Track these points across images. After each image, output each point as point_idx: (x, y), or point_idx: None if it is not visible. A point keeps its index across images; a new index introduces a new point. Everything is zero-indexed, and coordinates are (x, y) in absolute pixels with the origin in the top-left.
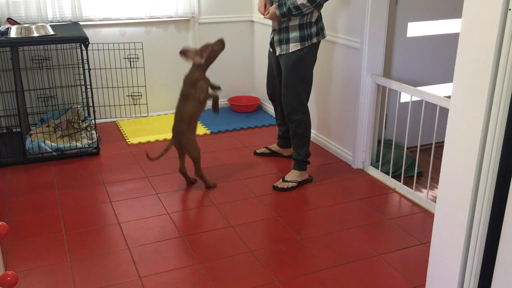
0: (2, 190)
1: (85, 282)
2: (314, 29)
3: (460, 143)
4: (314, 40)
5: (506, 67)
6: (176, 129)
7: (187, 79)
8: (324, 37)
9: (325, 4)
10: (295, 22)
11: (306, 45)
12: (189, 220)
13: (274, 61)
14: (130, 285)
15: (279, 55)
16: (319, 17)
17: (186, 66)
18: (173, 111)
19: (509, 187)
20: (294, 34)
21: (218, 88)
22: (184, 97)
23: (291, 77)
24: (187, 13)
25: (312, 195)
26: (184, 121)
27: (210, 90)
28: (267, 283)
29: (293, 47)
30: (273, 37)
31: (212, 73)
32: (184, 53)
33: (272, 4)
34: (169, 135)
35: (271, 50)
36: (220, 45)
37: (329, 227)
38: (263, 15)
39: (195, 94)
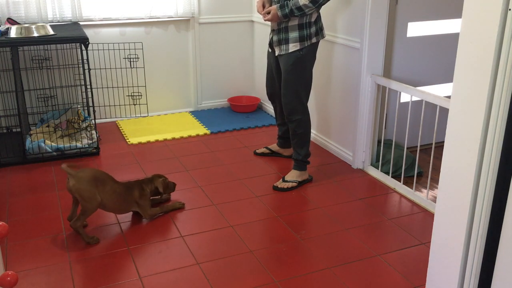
0: (2, 190)
1: (85, 282)
2: (313, 29)
3: (460, 143)
4: (314, 40)
5: (506, 67)
6: (84, 171)
7: (140, 185)
8: (323, 37)
9: (325, 4)
10: (294, 22)
11: (306, 45)
12: (189, 220)
13: (274, 61)
14: (130, 285)
15: (279, 55)
16: (318, 17)
17: (185, 66)
18: (173, 111)
19: (509, 187)
20: (293, 34)
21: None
22: (121, 187)
23: (290, 77)
24: (187, 13)
25: (312, 195)
26: (96, 174)
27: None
28: (267, 283)
29: (293, 47)
30: (272, 37)
31: (212, 73)
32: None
33: (270, 4)
34: (169, 135)
35: (270, 50)
36: (172, 188)
37: (329, 227)
38: (262, 14)
39: (137, 200)
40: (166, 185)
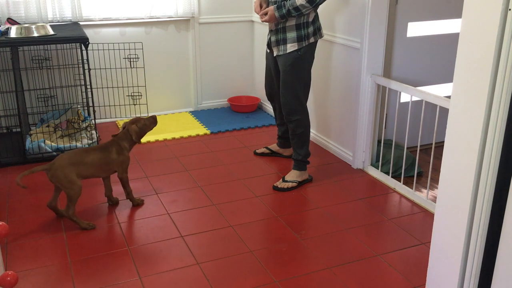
0: (2, 190)
1: (85, 282)
2: (311, 29)
3: (460, 143)
4: (312, 39)
5: (506, 67)
6: (57, 160)
7: (114, 143)
8: (321, 36)
9: (324, 4)
10: (292, 22)
11: (304, 45)
12: (189, 220)
13: (272, 61)
14: (130, 285)
15: (277, 55)
16: (316, 17)
17: (185, 66)
18: (173, 111)
19: (509, 187)
20: (291, 35)
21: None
22: (100, 152)
23: (289, 78)
24: (187, 13)
25: (312, 195)
26: (70, 159)
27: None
28: (267, 283)
29: (291, 47)
30: (270, 37)
31: (212, 73)
32: (125, 126)
33: (267, 4)
34: (169, 135)
35: (268, 51)
36: (152, 121)
37: (329, 227)
38: (259, 15)
39: (115, 163)
40: (142, 128)
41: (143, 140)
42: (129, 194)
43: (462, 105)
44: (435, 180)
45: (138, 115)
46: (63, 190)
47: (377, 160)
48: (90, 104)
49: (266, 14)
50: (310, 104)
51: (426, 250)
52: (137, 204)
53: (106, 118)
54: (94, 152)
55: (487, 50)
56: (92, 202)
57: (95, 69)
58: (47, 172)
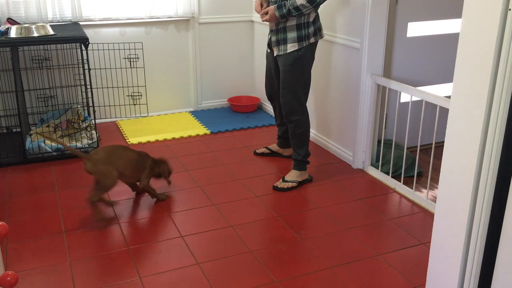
0: (2, 190)
1: (85, 282)
2: (311, 29)
3: (460, 143)
4: (312, 40)
5: (506, 67)
6: (98, 151)
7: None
8: (321, 36)
9: (324, 4)
10: (292, 22)
11: (304, 45)
12: (189, 220)
13: (272, 61)
14: (130, 285)
15: (277, 55)
16: (317, 17)
17: (185, 66)
18: (173, 111)
19: (509, 187)
20: (291, 35)
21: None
22: (132, 158)
23: (289, 78)
24: (187, 13)
25: (312, 195)
26: (109, 152)
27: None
28: (267, 283)
29: (291, 47)
30: (270, 37)
31: (212, 73)
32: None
33: (268, 3)
34: (169, 135)
35: (268, 50)
36: (165, 170)
37: (329, 227)
38: (260, 14)
39: (142, 169)
40: (168, 173)
41: (143, 140)
42: (157, 197)
43: (462, 105)
44: (435, 180)
45: (138, 115)
46: (99, 179)
47: (377, 160)
48: (90, 104)
49: (266, 13)
50: (310, 104)
51: (426, 250)
52: (162, 200)
53: (106, 118)
54: (132, 151)
55: (487, 50)
56: None
57: (95, 69)
58: (86, 162)
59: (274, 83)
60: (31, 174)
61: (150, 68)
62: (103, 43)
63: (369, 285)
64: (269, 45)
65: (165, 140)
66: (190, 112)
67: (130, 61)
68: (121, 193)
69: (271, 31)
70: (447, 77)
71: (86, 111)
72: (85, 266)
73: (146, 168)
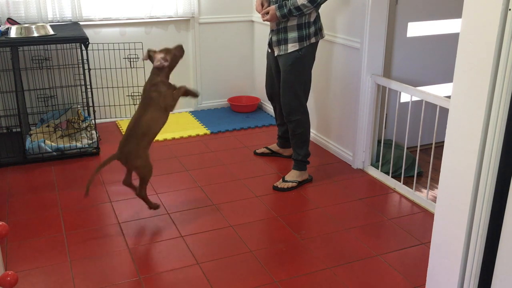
0: (2, 190)
1: (85, 282)
2: (312, 29)
3: (460, 143)
4: (313, 40)
5: (506, 67)
6: (124, 145)
7: (147, 85)
8: (322, 37)
9: (325, 4)
10: (293, 22)
11: (305, 45)
12: (189, 220)
13: (273, 61)
14: (130, 285)
15: (278, 55)
16: (317, 17)
17: (185, 66)
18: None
19: (509, 187)
20: (292, 35)
21: (195, 95)
22: (144, 106)
23: (289, 78)
24: (187, 13)
25: (312, 195)
26: (136, 137)
27: (173, 96)
28: (267, 283)
29: (292, 47)
30: (271, 37)
31: (212, 73)
32: (150, 54)
33: (269, 4)
34: (167, 135)
35: (269, 50)
36: (180, 51)
37: (329, 227)
38: (261, 14)
39: (157, 101)
40: (173, 59)
41: None
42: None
43: (462, 105)
44: (435, 180)
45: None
46: (136, 172)
47: (377, 160)
48: (90, 104)
49: (267, 13)
50: (310, 104)
51: (426, 250)
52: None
53: (106, 118)
54: (145, 107)
55: (487, 50)
56: (92, 202)
57: (95, 69)
58: (119, 158)
59: (275, 83)
60: (31, 174)
61: (150, 68)
62: (103, 43)
63: (369, 285)
64: (270, 45)
65: (165, 140)
66: (190, 112)
67: (130, 61)
68: (121, 193)
69: (271, 31)
70: (447, 77)
71: (86, 111)
72: (85, 266)
73: (155, 97)
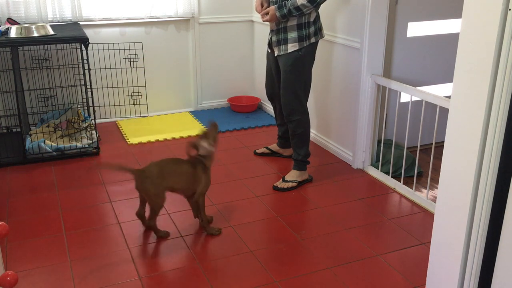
0: (2, 190)
1: (85, 282)
2: (312, 29)
3: (460, 143)
4: (312, 40)
5: (506, 67)
6: (148, 169)
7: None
8: (322, 36)
9: (325, 4)
10: (293, 22)
11: (305, 45)
12: (189, 220)
13: (273, 61)
14: (130, 285)
15: (278, 55)
16: (317, 17)
17: (185, 66)
18: (173, 111)
19: (509, 187)
20: (292, 35)
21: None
22: (191, 176)
23: (289, 78)
24: (187, 13)
25: (312, 195)
26: (164, 178)
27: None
28: (267, 283)
29: (292, 47)
30: (271, 37)
31: (212, 73)
32: (196, 145)
33: (268, 3)
34: (169, 135)
35: (269, 50)
36: (217, 128)
37: (329, 227)
38: (260, 14)
39: (201, 182)
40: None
41: (143, 140)
42: (203, 220)
43: (462, 105)
44: (435, 180)
45: (138, 115)
46: (146, 199)
47: (377, 160)
48: (90, 104)
49: (267, 13)
50: (310, 104)
51: (426, 250)
52: (211, 234)
53: (106, 118)
54: (185, 164)
55: (487, 50)
56: (92, 202)
57: (95, 69)
58: (135, 178)
59: (275, 83)
60: (31, 174)
61: (150, 68)
62: (103, 43)
63: (369, 285)
64: (270, 45)
65: (165, 140)
66: (190, 112)
67: (130, 61)
68: (121, 193)
69: (271, 31)
70: (447, 77)
71: (86, 111)
72: (85, 266)
73: (200, 174)
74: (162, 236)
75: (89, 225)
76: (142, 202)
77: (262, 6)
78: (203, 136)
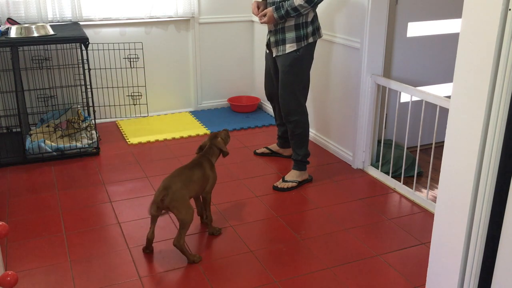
0: (2, 190)
1: (85, 282)
2: (310, 29)
3: (460, 143)
4: (310, 40)
5: (506, 67)
6: (170, 183)
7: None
8: (320, 36)
9: (325, 4)
10: (290, 22)
11: (303, 45)
12: None
13: (271, 62)
14: (130, 285)
15: (276, 56)
16: (315, 17)
17: (185, 66)
18: (173, 111)
19: (509, 187)
20: (290, 35)
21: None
22: (199, 180)
23: (288, 78)
24: (187, 13)
25: (312, 195)
26: (181, 181)
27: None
28: (267, 283)
29: (290, 47)
30: (269, 38)
31: (212, 73)
32: (222, 151)
33: (265, 6)
34: (169, 135)
35: (267, 51)
36: (227, 134)
37: (329, 227)
38: (258, 17)
39: (209, 181)
40: (225, 140)
41: (143, 140)
42: (207, 217)
43: (462, 105)
44: (435, 180)
45: (138, 115)
46: (176, 215)
47: (377, 160)
48: (90, 104)
49: (264, 15)
50: (310, 104)
51: (426, 250)
52: (212, 234)
53: (106, 118)
54: (196, 169)
55: (487, 50)
56: (92, 202)
57: (95, 69)
58: (162, 198)
59: (274, 84)
60: (31, 174)
61: (150, 68)
62: (103, 43)
63: (369, 285)
64: (268, 46)
65: (165, 140)
66: (190, 112)
67: (130, 61)
68: (121, 193)
69: (269, 31)
70: (447, 77)
71: (86, 111)
72: (85, 266)
73: (208, 173)
74: (195, 261)
75: (89, 225)
76: (154, 223)
77: (258, 8)
78: (214, 135)
